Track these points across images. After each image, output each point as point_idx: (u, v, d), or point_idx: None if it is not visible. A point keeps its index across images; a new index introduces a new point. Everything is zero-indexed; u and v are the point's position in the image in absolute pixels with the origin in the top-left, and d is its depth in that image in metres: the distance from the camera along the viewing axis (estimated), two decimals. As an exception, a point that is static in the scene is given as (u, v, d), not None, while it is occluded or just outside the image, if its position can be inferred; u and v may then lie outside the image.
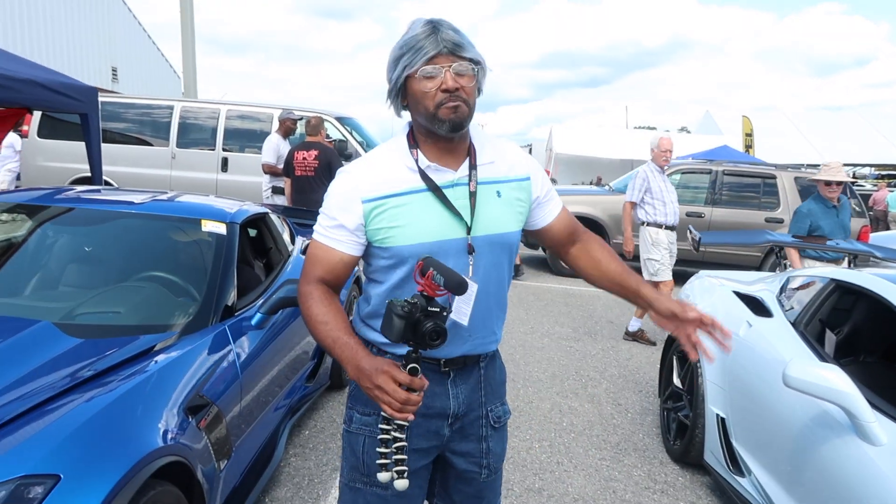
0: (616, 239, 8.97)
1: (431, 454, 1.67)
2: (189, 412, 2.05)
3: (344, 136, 9.10)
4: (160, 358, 2.16)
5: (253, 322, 2.74)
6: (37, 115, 9.37)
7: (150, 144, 9.44)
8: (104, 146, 9.30)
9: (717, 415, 3.22)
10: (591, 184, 18.96)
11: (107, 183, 8.66)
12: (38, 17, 16.33)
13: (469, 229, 1.54)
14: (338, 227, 1.54)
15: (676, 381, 3.79)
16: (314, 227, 1.61)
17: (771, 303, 3.38)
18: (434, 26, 1.46)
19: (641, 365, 5.29)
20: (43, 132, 9.42)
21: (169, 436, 1.85)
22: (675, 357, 3.89)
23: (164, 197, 3.31)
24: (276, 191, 7.34)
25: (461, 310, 1.55)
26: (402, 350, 1.40)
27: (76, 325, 2.36)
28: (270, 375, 2.93)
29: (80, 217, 3.09)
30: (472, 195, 1.55)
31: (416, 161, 1.54)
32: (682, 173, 9.44)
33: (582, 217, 9.03)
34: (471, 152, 1.59)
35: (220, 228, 2.98)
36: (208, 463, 2.11)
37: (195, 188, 8.85)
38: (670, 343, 4.06)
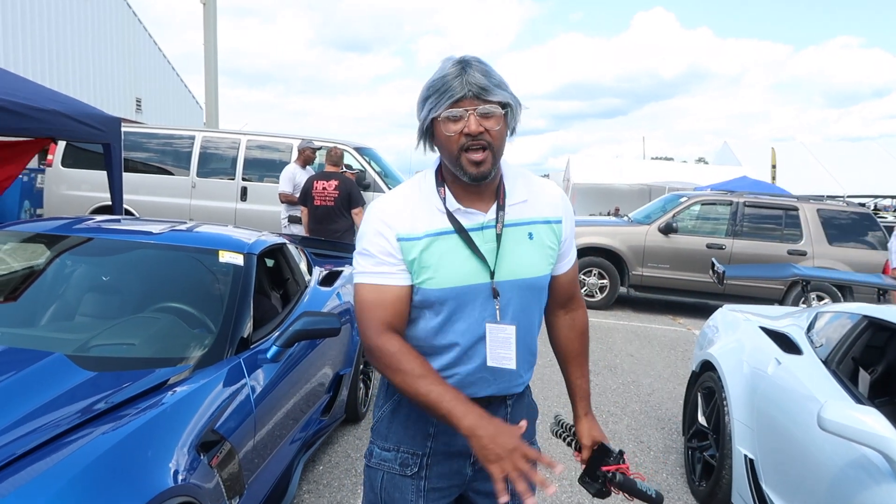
0: (635, 270, 8.88)
1: (452, 494, 1.62)
2: (201, 449, 1.99)
3: (362, 166, 9.14)
4: (174, 392, 2.12)
5: (269, 355, 2.69)
6: (61, 144, 9.52)
7: (171, 174, 9.54)
8: (126, 175, 9.43)
9: (746, 455, 3.10)
10: (608, 214, 18.90)
11: (127, 212, 8.73)
12: (66, 50, 16.71)
13: (493, 273, 1.49)
14: (381, 262, 1.47)
15: (701, 419, 3.68)
16: (354, 275, 1.54)
17: (800, 339, 3.27)
18: (462, 67, 1.40)
19: (663, 401, 5.16)
20: (67, 161, 9.55)
21: (179, 476, 1.79)
22: (699, 394, 3.78)
23: (182, 227, 3.30)
24: (293, 220, 7.35)
25: (502, 356, 1.51)
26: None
27: (89, 357, 2.32)
28: (285, 409, 2.87)
29: (99, 247, 3.08)
30: (498, 237, 1.50)
31: (444, 202, 1.50)
32: (702, 204, 9.35)
33: (601, 248, 8.96)
34: (500, 192, 1.53)
35: (238, 259, 2.95)
36: (219, 502, 2.04)
37: (215, 217, 8.92)
38: (694, 380, 3.95)
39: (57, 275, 3.01)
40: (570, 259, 1.66)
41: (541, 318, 1.64)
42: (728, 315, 4.20)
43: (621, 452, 1.69)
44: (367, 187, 8.74)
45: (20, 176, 12.28)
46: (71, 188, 9.45)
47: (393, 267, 1.47)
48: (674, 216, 9.00)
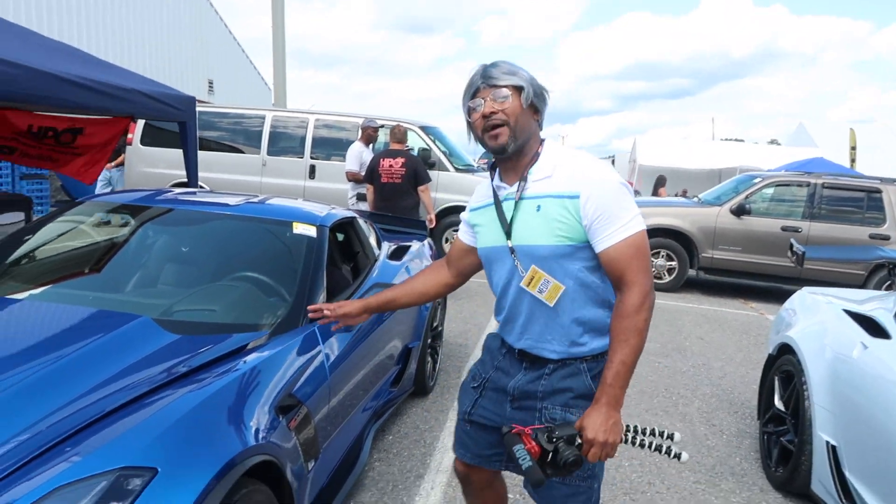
0: (705, 252, 8.63)
1: (494, 421, 1.91)
2: (280, 412, 2.04)
3: (427, 144, 9.15)
4: (252, 357, 2.18)
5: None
6: (140, 123, 9.88)
7: (243, 152, 9.78)
8: (200, 153, 9.73)
9: (828, 442, 2.98)
10: (675, 196, 18.41)
11: (201, 188, 9.01)
12: (143, 34, 17.29)
13: (508, 236, 1.78)
14: (463, 223, 2.02)
15: (778, 403, 3.55)
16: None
17: (889, 324, 3.11)
18: (482, 66, 1.73)
19: (735, 384, 5.01)
20: (145, 140, 9.91)
21: (261, 435, 1.84)
22: (776, 378, 3.65)
23: (256, 200, 3.37)
24: (361, 198, 7.43)
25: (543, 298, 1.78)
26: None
27: (173, 321, 2.41)
28: (357, 378, 2.92)
29: (178, 218, 3.19)
30: (515, 206, 1.77)
31: (492, 179, 1.86)
32: (777, 185, 8.97)
33: (669, 230, 8.73)
34: (526, 167, 1.77)
35: (311, 231, 3.00)
36: (297, 463, 2.10)
37: (284, 195, 9.10)
38: (771, 363, 3.81)
39: (140, 244, 3.13)
40: (606, 238, 1.67)
41: (563, 295, 1.73)
42: (808, 298, 4.02)
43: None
44: (432, 166, 8.75)
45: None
46: (149, 165, 9.81)
47: (464, 227, 2.02)
48: (747, 197, 8.67)
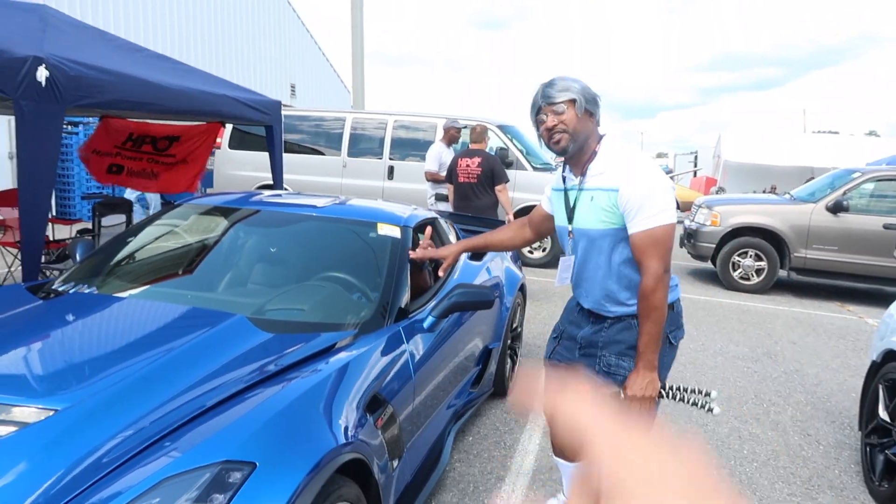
0: (798, 252, 8.22)
1: (569, 364, 2.35)
2: (367, 410, 2.08)
3: (505, 143, 9.12)
4: (341, 356, 2.23)
5: (425, 325, 2.76)
6: (228, 128, 10.30)
7: (324, 154, 10.03)
8: (285, 156, 10.05)
9: (939, 456, 2.78)
10: (763, 192, 17.61)
11: (285, 190, 9.30)
12: (229, 41, 18.02)
13: (570, 219, 2.26)
14: (544, 199, 2.52)
15: (883, 413, 3.34)
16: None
17: None
18: (542, 86, 2.14)
19: (832, 392, 4.75)
20: (233, 144, 10.31)
21: (350, 433, 1.88)
22: (881, 386, 3.43)
23: (340, 201, 3.45)
24: (440, 198, 7.48)
25: (564, 277, 2.35)
26: None
27: (266, 319, 2.49)
28: (440, 378, 2.94)
29: (267, 219, 3.30)
30: (577, 196, 2.22)
31: (563, 171, 2.31)
32: (878, 181, 8.43)
33: (758, 228, 8.37)
34: (586, 164, 2.18)
35: (395, 232, 3.04)
36: (383, 461, 2.13)
37: (364, 196, 9.28)
38: (875, 370, 3.59)
39: (231, 245, 3.26)
40: (636, 224, 2.05)
41: (611, 266, 2.18)
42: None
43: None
44: (509, 164, 8.72)
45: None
46: (237, 168, 10.20)
47: (545, 198, 2.51)
48: (844, 193, 8.18)
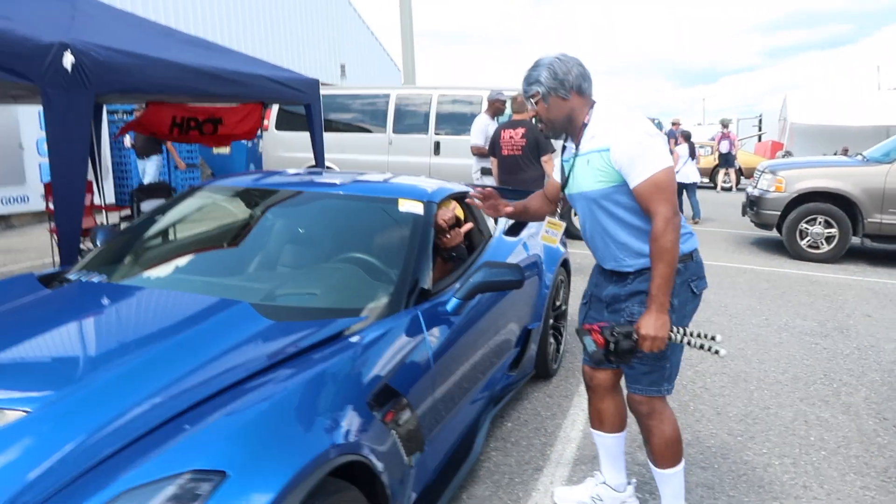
0: (872, 217, 7.62)
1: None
2: (374, 405, 1.91)
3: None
4: (347, 344, 2.05)
5: (448, 308, 2.57)
6: (274, 109, 10.27)
7: (370, 132, 9.89)
8: (331, 135, 9.97)
9: None
10: (835, 155, 16.57)
11: (328, 169, 9.23)
12: (278, 23, 18.04)
13: (564, 186, 2.41)
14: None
15: (971, 396, 2.97)
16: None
17: None
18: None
19: (913, 370, 4.33)
20: (281, 125, 10.28)
21: (347, 431, 1.70)
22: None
23: (364, 178, 3.27)
24: (485, 172, 7.23)
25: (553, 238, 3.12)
26: None
27: (273, 306, 2.34)
28: (468, 364, 2.75)
29: (283, 199, 3.14)
30: (574, 163, 2.32)
31: (564, 141, 2.43)
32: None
33: (827, 193, 7.80)
34: (579, 133, 2.28)
35: (418, 208, 2.84)
36: (395, 459, 1.96)
37: (410, 172, 9.10)
38: (961, 347, 3.20)
39: (246, 227, 3.12)
40: (633, 177, 2.12)
41: (617, 222, 2.24)
42: None
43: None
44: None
45: (245, 142, 13.62)
46: (286, 150, 10.17)
47: (556, 169, 2.56)
48: (925, 152, 7.55)
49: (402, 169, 9.27)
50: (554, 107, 2.23)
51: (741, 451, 3.17)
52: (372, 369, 2.00)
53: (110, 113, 11.76)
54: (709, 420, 3.49)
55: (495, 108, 7.32)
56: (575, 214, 8.39)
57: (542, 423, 3.41)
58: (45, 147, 4.65)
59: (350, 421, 1.74)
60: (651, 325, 2.10)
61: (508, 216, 2.74)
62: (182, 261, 2.87)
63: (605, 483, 2.64)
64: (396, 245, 2.72)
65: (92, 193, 8.01)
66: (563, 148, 2.43)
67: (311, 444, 1.56)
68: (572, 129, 2.29)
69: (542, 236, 3.44)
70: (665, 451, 2.34)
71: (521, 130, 6.14)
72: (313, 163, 9.38)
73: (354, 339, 2.09)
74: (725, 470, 3.00)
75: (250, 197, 3.21)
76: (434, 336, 2.40)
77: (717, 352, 2.11)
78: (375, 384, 1.95)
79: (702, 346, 2.13)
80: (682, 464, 2.38)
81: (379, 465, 1.80)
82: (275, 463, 1.44)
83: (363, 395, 1.87)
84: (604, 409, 2.54)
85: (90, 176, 8.53)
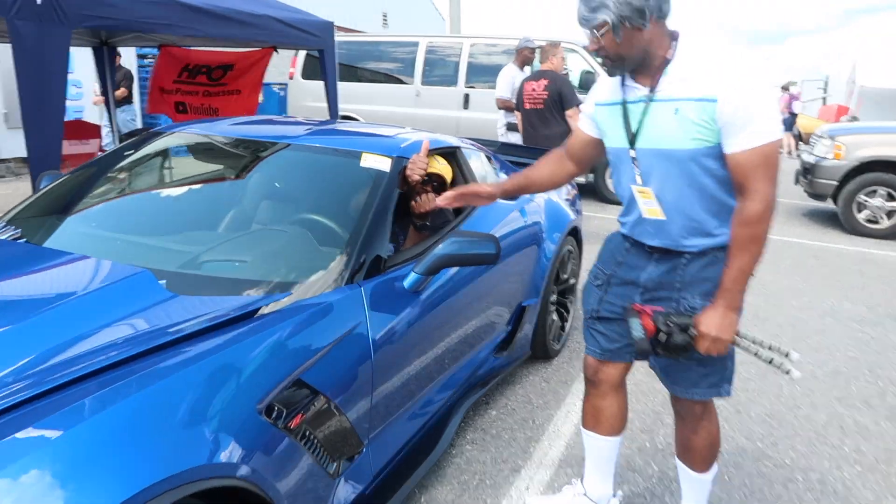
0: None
1: (620, 314, 1.99)
2: (276, 407, 1.53)
3: (592, 67, 8.13)
4: (260, 325, 1.68)
5: (406, 284, 2.17)
6: (300, 56, 9.85)
7: (400, 82, 9.41)
8: (354, 85, 9.50)
9: None
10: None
11: (349, 118, 8.80)
12: (318, -32, 17.48)
13: (632, 141, 1.84)
14: (585, 116, 2.05)
15: None
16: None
17: None
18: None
19: (975, 369, 3.76)
20: (306, 73, 9.87)
21: (217, 448, 1.33)
22: None
23: (328, 127, 2.85)
24: (511, 128, 6.72)
25: (649, 210, 1.87)
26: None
27: (188, 275, 1.98)
28: (437, 347, 2.36)
29: (234, 150, 2.75)
30: (645, 110, 1.80)
31: (623, 79, 1.87)
32: None
33: (891, 162, 7.04)
34: (657, 71, 1.79)
35: (383, 164, 2.42)
36: (305, 475, 1.60)
37: (438, 127, 8.63)
38: None
39: (185, 181, 2.74)
40: (741, 141, 1.68)
41: (699, 193, 1.79)
42: None
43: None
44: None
45: (277, 90, 13.25)
46: (311, 99, 9.75)
47: (586, 118, 2.04)
48: None
49: (431, 123, 8.79)
50: (627, 39, 1.72)
51: (759, 461, 2.72)
52: (282, 360, 1.62)
53: (140, 57, 11.55)
54: (726, 419, 3.03)
55: (524, 57, 6.76)
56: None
57: (530, 414, 3.01)
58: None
59: (233, 430, 1.36)
60: (715, 323, 1.75)
61: (504, 197, 2.28)
62: (112, 217, 2.50)
63: (585, 495, 2.24)
64: (353, 207, 2.32)
65: (100, 138, 7.83)
66: (625, 89, 1.86)
67: (156, 463, 1.18)
68: (647, 67, 1.79)
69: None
70: (708, 452, 2.07)
71: (543, 82, 5.60)
72: (342, 114, 9.04)
73: (266, 320, 1.71)
74: (737, 483, 2.56)
75: (202, 147, 2.82)
76: (380, 314, 2.00)
77: (787, 372, 1.78)
78: (283, 379, 1.57)
79: (770, 361, 1.79)
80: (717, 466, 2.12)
81: (271, 490, 1.44)
82: (100, 487, 1.08)
83: (261, 394, 1.49)
84: (603, 408, 2.15)
85: (102, 121, 8.41)
